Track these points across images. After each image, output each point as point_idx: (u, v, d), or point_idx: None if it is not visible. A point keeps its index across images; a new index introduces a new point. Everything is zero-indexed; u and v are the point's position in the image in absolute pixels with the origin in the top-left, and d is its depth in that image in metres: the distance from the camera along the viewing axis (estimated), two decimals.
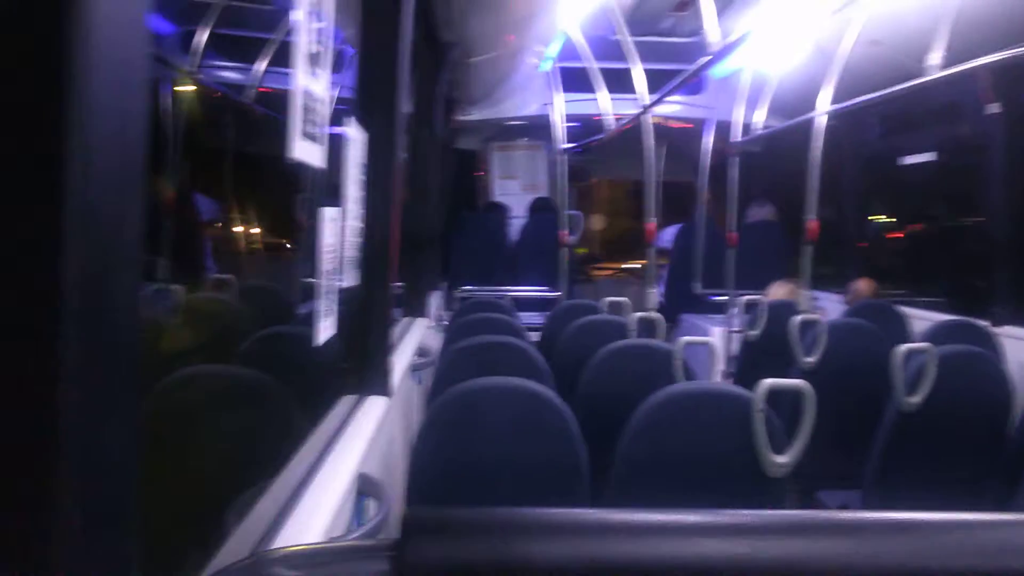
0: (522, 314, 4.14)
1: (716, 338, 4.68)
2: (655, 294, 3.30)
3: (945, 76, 2.66)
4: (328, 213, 1.30)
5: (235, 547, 0.99)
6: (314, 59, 1.14)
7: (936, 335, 3.19)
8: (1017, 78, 3.50)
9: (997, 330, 3.34)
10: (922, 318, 3.77)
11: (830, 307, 4.78)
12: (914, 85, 2.78)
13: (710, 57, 2.36)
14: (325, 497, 1.18)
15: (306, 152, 1.11)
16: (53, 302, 0.42)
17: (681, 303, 5.60)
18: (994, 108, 3.51)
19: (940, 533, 0.57)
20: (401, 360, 2.27)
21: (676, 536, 0.54)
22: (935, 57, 2.71)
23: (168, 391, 1.77)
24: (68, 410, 0.43)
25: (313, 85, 1.13)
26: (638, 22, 4.51)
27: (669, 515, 0.55)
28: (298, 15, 1.08)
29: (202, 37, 3.29)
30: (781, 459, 1.75)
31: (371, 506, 1.34)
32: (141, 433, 0.51)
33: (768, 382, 1.74)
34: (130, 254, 0.48)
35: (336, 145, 1.57)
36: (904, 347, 2.39)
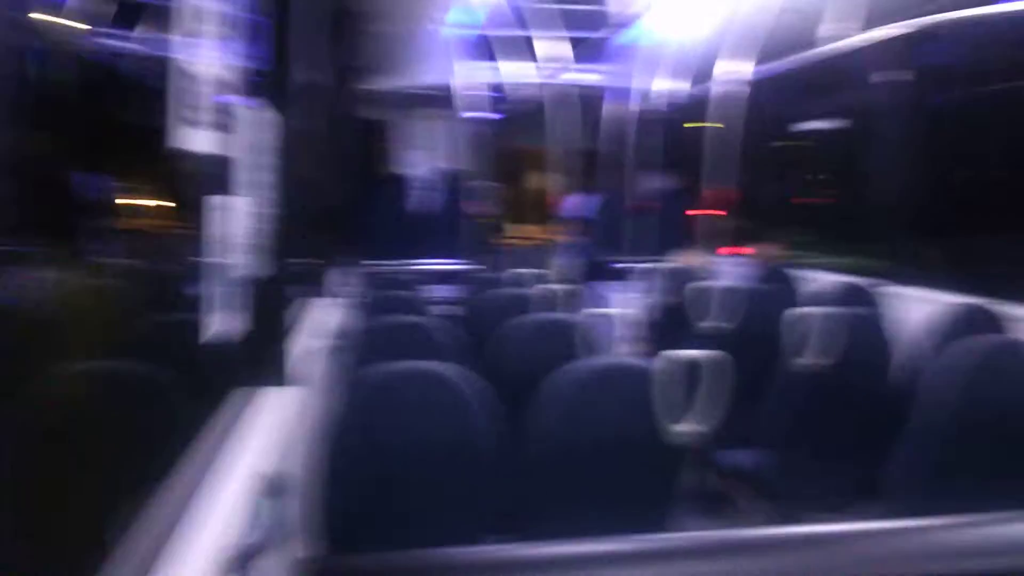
0: (428, 287, 4.10)
1: (618, 306, 4.78)
2: (558, 265, 3.32)
3: (849, 45, 2.73)
4: (216, 200, 1.23)
5: (121, 562, 0.94)
6: (193, 36, 1.07)
7: (831, 297, 3.34)
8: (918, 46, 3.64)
9: (888, 290, 3.51)
10: (815, 280, 3.94)
11: (735, 272, 4.94)
12: (820, 53, 2.86)
13: (613, 27, 2.36)
14: (220, 500, 1.14)
15: (197, 140, 1.05)
16: None
17: (588, 272, 5.66)
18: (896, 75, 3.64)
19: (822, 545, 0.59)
20: (306, 344, 2.21)
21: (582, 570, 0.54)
22: (830, 27, 2.78)
23: (36, 390, 1.66)
24: None
25: (192, 65, 1.07)
26: None
27: (570, 546, 0.55)
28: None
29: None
30: (684, 427, 1.80)
31: (269, 505, 1.30)
32: None
33: (669, 353, 1.79)
34: None
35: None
36: (796, 310, 2.49)
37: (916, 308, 3.33)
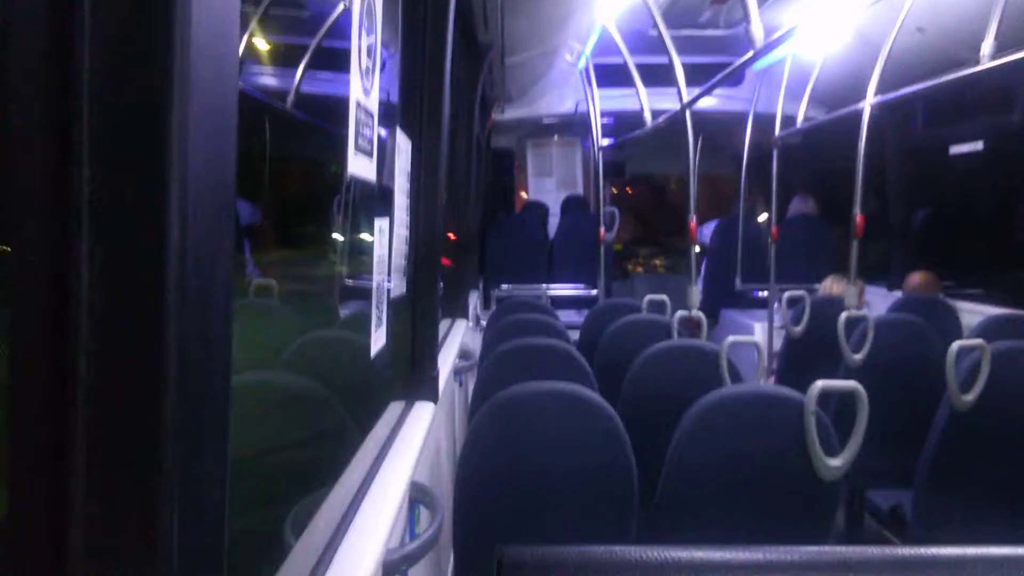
0: (560, 312, 4.13)
1: (757, 335, 4.64)
2: (697, 291, 3.27)
3: (998, 64, 2.58)
4: (378, 224, 1.31)
5: (298, 560, 1.01)
6: (366, 72, 1.14)
7: (988, 330, 3.12)
8: None
9: None
10: (973, 312, 3.69)
11: (876, 302, 4.70)
12: (967, 74, 2.71)
13: (752, 53, 2.33)
14: (381, 507, 1.19)
15: (361, 166, 1.12)
16: (158, 314, 0.43)
17: (721, 299, 5.54)
18: None
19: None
20: (445, 364, 2.29)
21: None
22: (986, 45, 2.63)
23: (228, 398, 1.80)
24: (168, 423, 0.44)
25: (365, 99, 1.14)
26: (675, 15, 4.46)
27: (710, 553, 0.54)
28: (353, 31, 1.09)
29: (241, 46, 3.33)
30: (834, 462, 1.72)
31: (423, 514, 1.35)
32: (229, 444, 0.52)
33: (820, 383, 1.72)
34: (224, 264, 0.49)
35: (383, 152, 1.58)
36: (956, 343, 2.34)
37: None
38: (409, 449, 1.42)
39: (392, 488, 1.25)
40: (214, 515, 0.50)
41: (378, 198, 1.37)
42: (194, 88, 0.43)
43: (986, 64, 2.53)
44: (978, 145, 4.36)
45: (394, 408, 1.68)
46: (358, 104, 1.08)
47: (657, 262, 7.27)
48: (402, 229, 1.54)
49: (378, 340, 1.31)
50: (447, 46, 1.80)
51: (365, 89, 1.12)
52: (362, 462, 1.35)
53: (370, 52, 1.15)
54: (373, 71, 1.18)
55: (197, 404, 0.46)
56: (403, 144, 1.55)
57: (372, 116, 1.17)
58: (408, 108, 1.73)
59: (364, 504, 1.18)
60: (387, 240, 1.38)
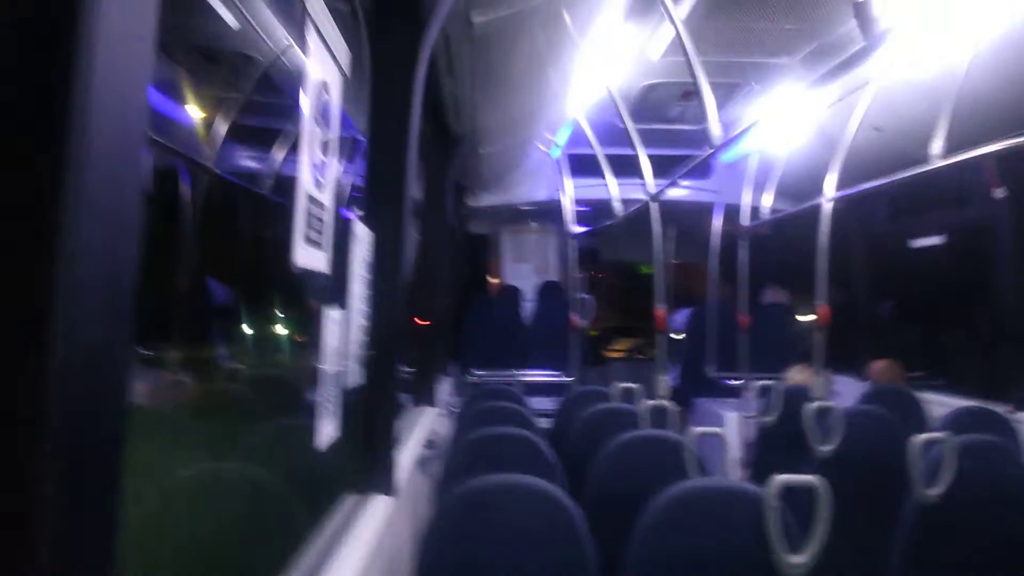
0: (533, 399, 4.10)
1: (731, 425, 4.61)
2: (666, 381, 3.26)
3: (948, 163, 2.68)
4: (331, 314, 1.30)
5: None
6: (319, 167, 1.16)
7: (953, 422, 3.13)
8: (1021, 162, 3.53)
9: (1015, 416, 3.26)
10: (939, 403, 3.70)
11: (845, 391, 4.71)
12: (918, 172, 2.81)
13: (713, 149, 2.40)
14: None
15: (309, 258, 1.12)
16: (40, 391, 0.42)
17: (694, 386, 5.54)
18: (1001, 192, 3.53)
19: None
20: (408, 452, 2.24)
21: None
22: (936, 145, 2.74)
23: (166, 490, 1.75)
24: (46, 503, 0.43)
25: (317, 192, 1.15)
26: (645, 110, 4.61)
27: None
28: (303, 124, 1.11)
29: (221, 128, 3.39)
30: (796, 559, 1.69)
31: None
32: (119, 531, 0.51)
33: (780, 479, 1.70)
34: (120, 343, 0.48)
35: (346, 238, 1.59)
36: (921, 436, 2.34)
37: None
38: (359, 545, 1.38)
39: None
40: None
41: (332, 288, 1.37)
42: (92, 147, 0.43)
43: (936, 163, 2.62)
44: (938, 239, 4.48)
45: (348, 501, 1.64)
46: (308, 197, 1.09)
47: (632, 349, 7.28)
48: (359, 318, 1.54)
49: (327, 431, 1.28)
50: (412, 138, 1.84)
51: (317, 182, 1.14)
52: (308, 560, 1.31)
53: (325, 146, 1.18)
54: (327, 164, 1.20)
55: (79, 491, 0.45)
56: (361, 234, 1.56)
57: (325, 208, 1.18)
58: (371, 198, 1.75)
59: None
60: (341, 330, 1.37)
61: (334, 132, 1.22)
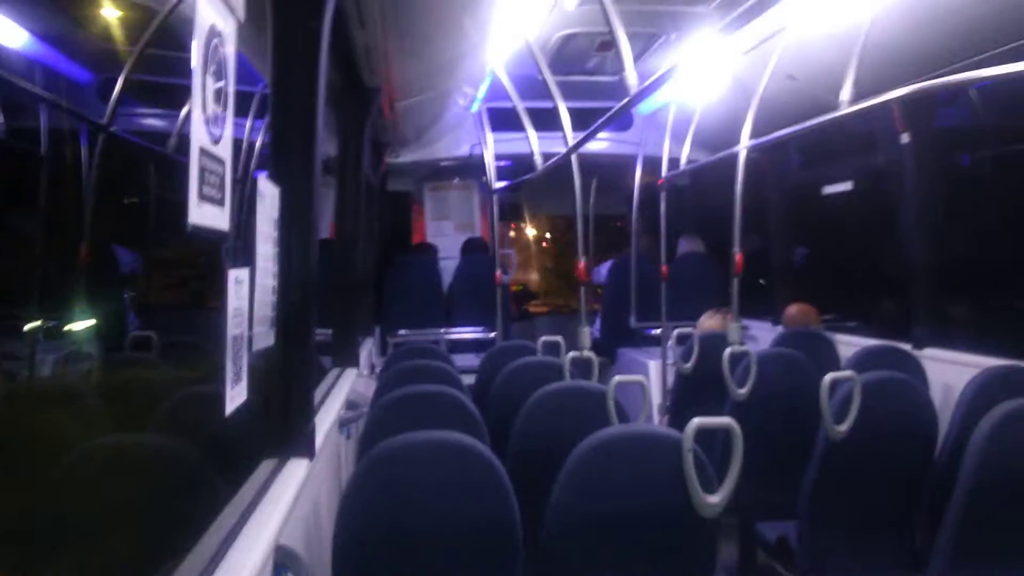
0: (458, 356, 4.09)
1: (652, 373, 4.72)
2: (588, 332, 3.29)
3: (856, 110, 2.74)
4: (234, 274, 1.25)
5: None
6: (212, 120, 1.10)
7: (861, 361, 3.26)
8: (923, 109, 3.65)
9: (919, 353, 3.43)
10: (849, 344, 3.86)
11: (762, 336, 4.87)
12: (828, 119, 2.87)
13: (630, 98, 2.39)
14: (239, 573, 1.12)
15: (206, 216, 1.06)
16: None
17: (618, 338, 5.63)
18: (905, 138, 3.65)
19: None
20: (329, 414, 2.21)
21: None
22: (845, 91, 2.80)
23: (77, 463, 1.68)
24: None
25: (211, 146, 1.09)
26: (564, 61, 4.57)
27: None
28: (195, 73, 1.04)
29: (118, 84, 3.20)
30: (713, 499, 1.74)
31: None
32: None
33: (696, 422, 1.74)
34: None
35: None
36: (829, 376, 2.43)
37: (949, 371, 3.24)
38: (276, 509, 1.35)
39: (253, 553, 1.18)
40: None
41: (236, 248, 1.31)
42: None
43: (846, 109, 2.68)
44: (847, 185, 4.62)
45: (266, 466, 1.60)
46: (202, 151, 1.03)
47: (557, 303, 7.35)
48: (267, 278, 1.48)
49: (235, 396, 1.24)
50: (319, 88, 1.76)
51: (211, 135, 1.07)
52: (223, 526, 1.27)
53: (219, 96, 1.11)
54: (224, 116, 1.14)
55: None
56: (267, 191, 1.50)
57: (222, 163, 1.12)
58: (278, 151, 1.68)
59: (220, 571, 1.10)
60: (246, 291, 1.32)
61: (230, 82, 1.15)
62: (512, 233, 7.58)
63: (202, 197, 1.04)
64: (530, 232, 8.24)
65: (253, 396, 1.35)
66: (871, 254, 4.63)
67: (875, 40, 2.80)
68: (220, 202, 1.10)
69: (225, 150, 1.13)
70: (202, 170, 1.04)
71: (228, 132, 1.13)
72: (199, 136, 1.03)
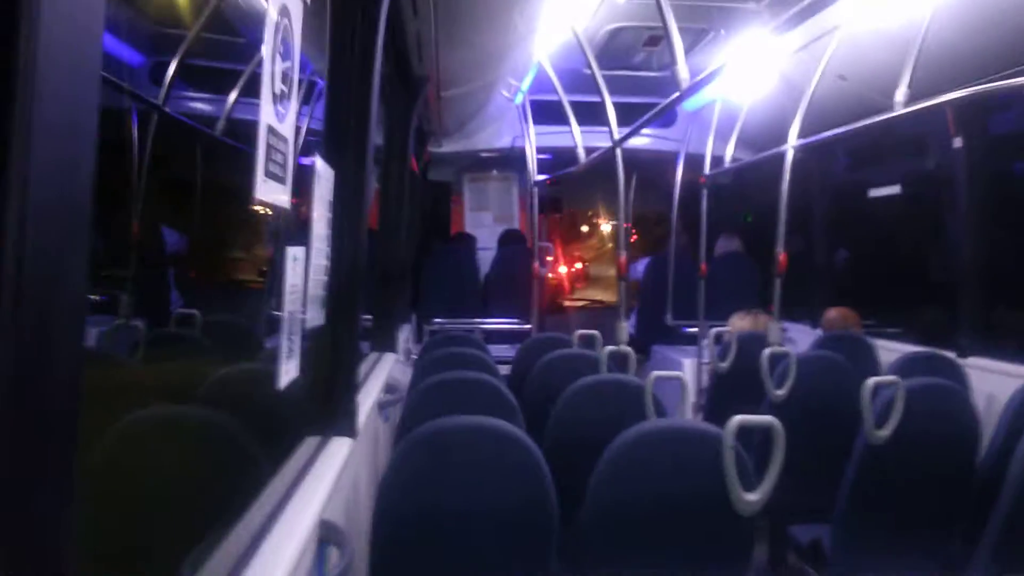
0: (493, 347, 4.11)
1: (687, 371, 4.69)
2: (626, 327, 3.29)
3: (909, 112, 2.70)
4: (292, 252, 1.27)
5: None
6: (279, 98, 1.12)
7: (904, 367, 3.22)
8: (978, 113, 3.58)
9: (963, 361, 3.37)
10: (891, 349, 3.81)
11: (800, 338, 4.81)
12: (879, 120, 2.83)
13: (678, 93, 2.38)
14: (285, 546, 1.15)
15: (270, 192, 1.09)
16: None
17: (653, 335, 5.61)
18: (958, 142, 3.59)
19: None
20: (368, 398, 2.24)
21: None
22: (900, 93, 2.76)
23: (123, 434, 1.73)
24: None
25: (278, 124, 1.12)
26: (610, 55, 4.55)
27: None
28: (265, 53, 1.07)
29: (171, 68, 3.26)
30: (751, 496, 1.74)
31: (334, 554, 1.30)
32: (76, 484, 0.50)
33: (737, 419, 1.74)
34: (75, 287, 0.46)
35: (306, 179, 1.55)
36: (872, 380, 2.40)
37: (995, 381, 3.18)
38: (320, 486, 1.38)
39: (298, 527, 1.21)
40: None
41: (295, 226, 1.34)
42: (43, 85, 0.40)
43: (899, 111, 2.64)
44: (895, 189, 4.55)
45: (309, 443, 1.63)
46: (269, 129, 1.06)
47: (593, 298, 7.34)
48: (320, 259, 1.51)
49: (288, 371, 1.27)
50: (375, 75, 1.79)
51: (278, 114, 1.10)
52: (269, 500, 1.30)
53: (285, 77, 1.13)
54: (289, 96, 1.16)
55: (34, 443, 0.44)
56: (323, 172, 1.52)
57: (286, 142, 1.15)
58: (332, 137, 1.71)
59: (266, 544, 1.13)
60: (302, 269, 1.35)
61: (295, 64, 1.18)
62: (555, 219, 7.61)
63: (267, 174, 1.06)
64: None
65: (299, 374, 1.38)
66: (916, 259, 4.55)
67: (931, 41, 2.76)
68: (283, 180, 1.12)
69: (289, 130, 1.15)
70: (269, 148, 1.06)
71: (293, 112, 1.16)
72: (267, 114, 1.05)
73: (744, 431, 1.74)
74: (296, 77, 1.18)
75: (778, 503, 1.86)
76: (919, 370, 3.02)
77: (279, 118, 1.10)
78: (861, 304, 4.24)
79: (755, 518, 1.77)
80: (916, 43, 2.67)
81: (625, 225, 3.60)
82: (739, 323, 4.06)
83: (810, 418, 2.89)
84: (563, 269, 7.52)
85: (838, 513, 2.42)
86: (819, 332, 4.29)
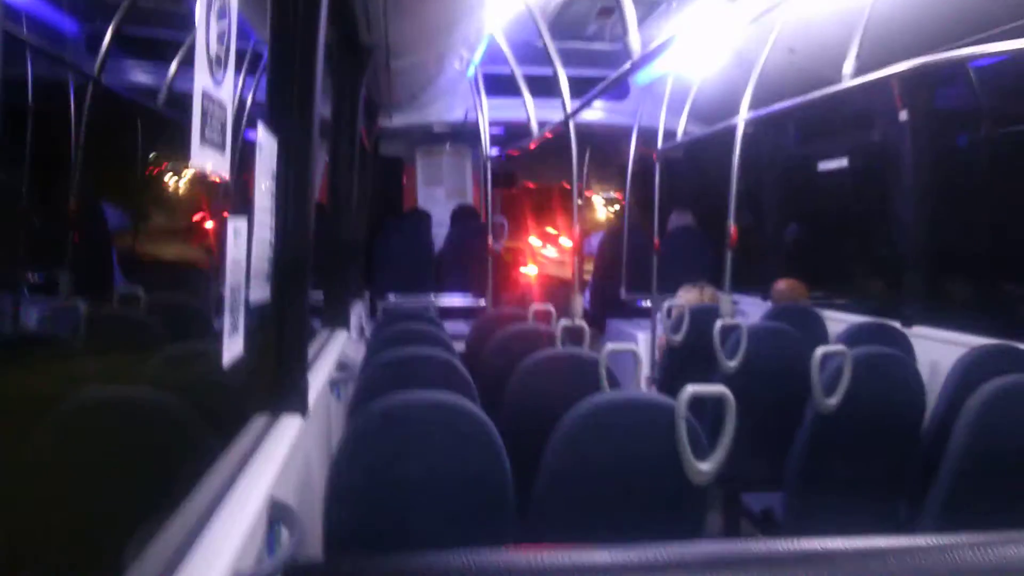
0: (448, 323, 4.08)
1: (641, 344, 4.73)
2: (580, 301, 3.29)
3: (856, 84, 2.73)
4: (233, 225, 1.22)
5: None
6: (216, 61, 1.07)
7: (851, 337, 3.28)
8: (922, 87, 3.65)
9: (908, 331, 3.45)
10: (839, 320, 3.88)
11: (750, 310, 4.89)
12: (828, 93, 2.85)
13: (630, 64, 2.36)
14: (234, 526, 1.11)
15: (209, 160, 1.04)
16: None
17: (607, 308, 5.64)
18: (904, 115, 3.64)
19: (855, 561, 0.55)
20: (320, 375, 2.20)
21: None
22: (848, 65, 2.78)
23: (67, 414, 1.66)
24: None
25: (215, 89, 1.06)
26: (563, 27, 4.52)
27: (582, 554, 0.52)
28: (199, 14, 1.01)
29: (108, 38, 3.13)
30: (704, 466, 1.75)
31: (284, 533, 1.27)
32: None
33: (690, 389, 1.74)
34: None
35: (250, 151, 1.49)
36: (820, 349, 2.44)
37: (938, 349, 3.27)
38: (269, 465, 1.34)
39: (247, 507, 1.17)
40: None
41: (235, 197, 1.29)
42: None
43: (847, 83, 2.66)
44: (843, 162, 4.62)
45: (258, 422, 1.59)
46: (205, 93, 1.01)
47: (550, 270, 7.33)
48: (264, 231, 1.46)
49: (232, 348, 1.22)
50: (319, 41, 1.73)
51: (215, 79, 1.05)
52: (217, 479, 1.26)
53: (222, 39, 1.08)
54: (226, 60, 1.11)
55: None
56: (265, 141, 1.47)
57: (224, 108, 1.09)
58: (275, 104, 1.65)
59: (214, 524, 1.09)
60: (244, 242, 1.30)
61: (232, 24, 1.12)
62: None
63: (204, 140, 1.01)
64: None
65: (245, 352, 1.34)
66: (864, 232, 4.64)
67: (878, 14, 2.78)
68: (221, 146, 1.07)
69: (227, 94, 1.10)
70: (204, 113, 1.01)
71: (230, 75, 1.10)
72: (202, 78, 1.00)
73: (697, 402, 1.74)
74: (232, 39, 1.13)
75: (732, 472, 1.88)
76: (865, 339, 3.09)
77: (216, 82, 1.05)
78: (810, 276, 4.31)
79: (709, 487, 1.79)
80: (863, 16, 2.68)
81: (579, 201, 3.59)
82: (686, 296, 4.10)
83: (761, 388, 2.93)
84: (531, 268, 6.94)
85: (789, 480, 2.46)
86: (768, 304, 4.36)
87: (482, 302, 5.10)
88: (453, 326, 4.94)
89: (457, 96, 5.50)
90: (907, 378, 2.50)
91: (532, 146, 4.19)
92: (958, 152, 3.89)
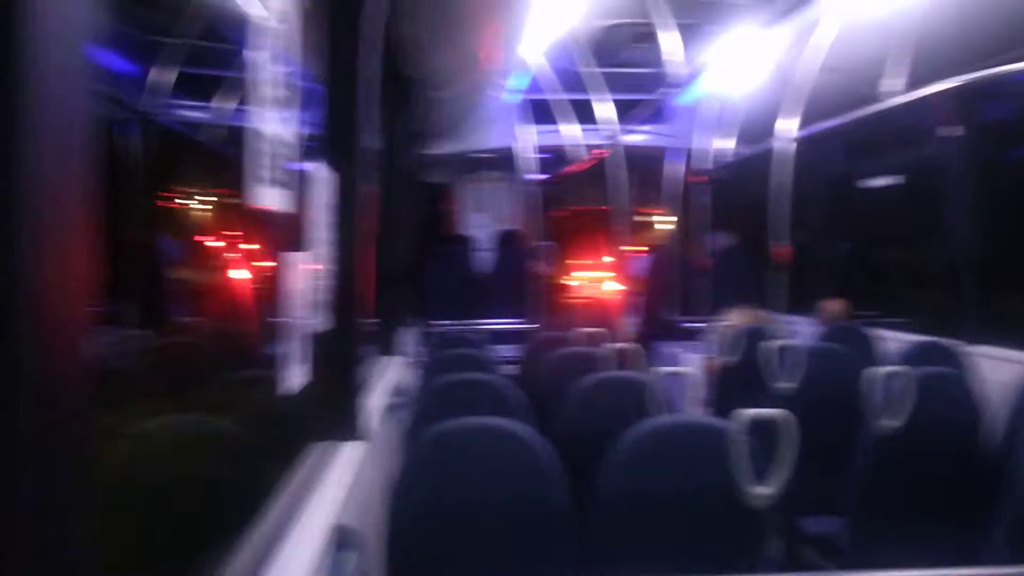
0: (497, 347, 4.11)
1: (692, 366, 4.69)
2: (630, 324, 3.29)
3: (905, 101, 2.71)
4: (296, 258, 1.27)
5: None
6: (278, 103, 1.12)
7: (910, 356, 3.21)
8: (970, 102, 3.58)
9: (968, 349, 3.36)
10: (892, 339, 3.80)
11: (800, 330, 4.81)
12: (875, 111, 2.83)
13: (673, 88, 2.38)
14: (299, 553, 1.14)
15: (270, 198, 1.08)
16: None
17: (655, 330, 5.60)
18: (954, 131, 3.58)
19: None
20: (377, 401, 2.23)
21: None
22: (895, 83, 2.76)
23: (128, 445, 1.71)
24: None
25: (277, 129, 1.11)
26: (601, 54, 4.55)
27: None
28: (261, 59, 1.06)
29: (165, 77, 3.26)
30: (762, 490, 1.73)
31: (350, 558, 1.30)
32: (91, 495, 0.49)
33: (747, 412, 1.73)
34: (79, 302, 0.46)
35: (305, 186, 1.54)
36: (880, 370, 2.40)
37: (1001, 368, 3.17)
38: (332, 490, 1.37)
39: (311, 533, 1.20)
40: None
41: (295, 232, 1.34)
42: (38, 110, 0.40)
43: (893, 101, 2.64)
44: (893, 179, 4.55)
45: (317, 449, 1.62)
46: (264, 134, 1.05)
47: (594, 293, 7.32)
48: (324, 263, 1.51)
49: (297, 376, 1.26)
50: (369, 79, 1.78)
51: (276, 119, 1.09)
52: (280, 506, 1.29)
53: (282, 80, 1.13)
54: (291, 101, 1.15)
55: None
56: (325, 176, 1.52)
57: (286, 146, 1.14)
58: (330, 140, 1.70)
59: (280, 552, 1.13)
60: (305, 274, 1.34)
61: (294, 68, 1.17)
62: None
63: (266, 179, 1.06)
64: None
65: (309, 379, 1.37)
66: (917, 250, 4.55)
67: (926, 29, 2.76)
68: (285, 184, 1.12)
69: (290, 134, 1.14)
70: (266, 153, 1.05)
71: (293, 117, 1.15)
72: (269, 122, 1.05)
73: (753, 425, 1.73)
74: (297, 81, 1.17)
75: (789, 496, 1.86)
76: (924, 359, 3.02)
77: (278, 122, 1.09)
78: (859, 295, 4.24)
79: (766, 512, 1.77)
80: (909, 32, 2.66)
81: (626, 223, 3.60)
82: (737, 318, 4.07)
83: (817, 410, 2.88)
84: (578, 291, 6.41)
85: (848, 504, 2.41)
86: (813, 323, 4.30)
87: (532, 325, 5.11)
88: (503, 349, 4.96)
89: (499, 123, 5.56)
90: (968, 399, 2.44)
91: (577, 168, 4.22)
92: (1011, 166, 3.80)
